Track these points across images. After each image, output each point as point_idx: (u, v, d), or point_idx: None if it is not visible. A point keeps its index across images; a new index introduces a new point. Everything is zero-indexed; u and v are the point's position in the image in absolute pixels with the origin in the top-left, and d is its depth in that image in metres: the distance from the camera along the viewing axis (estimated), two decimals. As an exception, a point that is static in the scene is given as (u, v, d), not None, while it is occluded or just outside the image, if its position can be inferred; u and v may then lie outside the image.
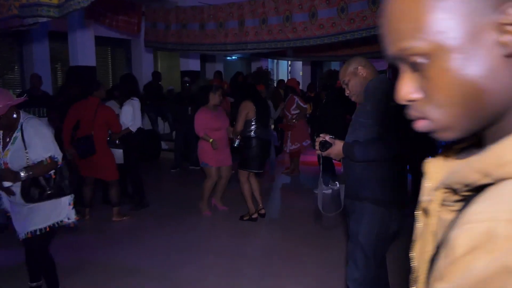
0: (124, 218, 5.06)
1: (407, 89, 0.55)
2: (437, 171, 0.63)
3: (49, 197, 2.76)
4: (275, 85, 9.97)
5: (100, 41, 8.42)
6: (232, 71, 10.31)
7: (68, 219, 2.90)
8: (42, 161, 2.68)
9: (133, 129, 5.21)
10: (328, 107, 6.07)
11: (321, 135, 2.20)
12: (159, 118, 10.10)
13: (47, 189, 2.74)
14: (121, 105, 5.21)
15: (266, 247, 4.27)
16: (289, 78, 13.91)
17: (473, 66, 0.48)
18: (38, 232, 2.77)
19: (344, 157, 2.18)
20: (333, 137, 2.20)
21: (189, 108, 7.65)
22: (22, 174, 2.61)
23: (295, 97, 6.89)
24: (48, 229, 2.80)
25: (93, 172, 4.88)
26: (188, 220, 5.07)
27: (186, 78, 8.17)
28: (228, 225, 4.92)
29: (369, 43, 6.06)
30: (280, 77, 13.57)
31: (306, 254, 4.04)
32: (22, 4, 3.07)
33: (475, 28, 0.48)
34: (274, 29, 4.79)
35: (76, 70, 7.15)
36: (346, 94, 2.33)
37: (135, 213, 5.27)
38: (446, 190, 0.56)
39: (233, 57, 12.73)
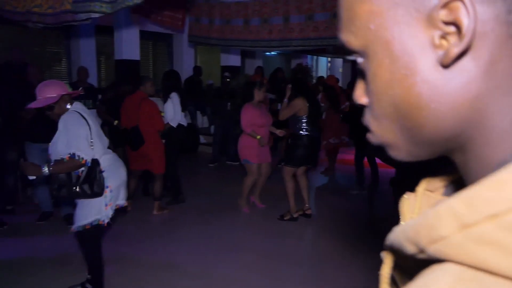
0: (164, 212, 5.12)
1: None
2: (412, 214, 0.50)
3: (73, 196, 2.77)
4: (315, 81, 9.86)
5: (143, 35, 8.55)
6: (272, 67, 10.24)
7: (104, 220, 2.90)
8: (63, 158, 2.68)
9: (174, 124, 5.25)
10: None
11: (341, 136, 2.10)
12: (198, 112, 10.19)
13: (70, 187, 2.72)
14: (164, 101, 5.27)
15: (305, 249, 4.21)
16: (329, 75, 13.71)
17: (403, 74, 0.38)
18: (80, 228, 2.83)
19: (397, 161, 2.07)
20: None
21: (228, 104, 7.67)
22: (44, 169, 2.60)
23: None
24: (88, 226, 2.83)
25: (141, 164, 4.95)
26: (225, 216, 5.07)
27: (227, 74, 8.18)
28: (266, 224, 4.87)
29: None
30: (320, 74, 13.40)
31: (348, 258, 3.95)
32: (75, 0, 3.13)
33: (408, 27, 0.37)
34: (320, 25, 4.69)
35: (124, 65, 7.29)
36: None
37: (174, 207, 5.32)
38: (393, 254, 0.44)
39: (273, 53, 12.64)
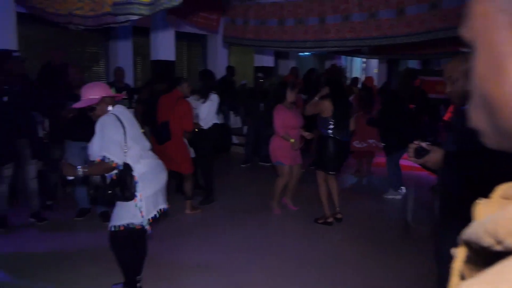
0: (197, 211, 5.16)
1: None
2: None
3: (106, 197, 2.81)
4: (349, 82, 9.72)
5: (178, 36, 8.66)
6: (305, 67, 10.17)
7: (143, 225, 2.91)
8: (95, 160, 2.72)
9: (205, 125, 5.28)
10: (393, 106, 5.83)
11: (415, 141, 2.02)
12: (231, 112, 10.23)
13: (103, 189, 2.76)
14: (204, 101, 5.31)
15: (336, 253, 4.12)
16: (364, 75, 13.50)
17: (495, 72, 0.41)
18: (113, 228, 2.88)
19: (443, 167, 1.97)
20: (430, 143, 2.00)
21: (261, 104, 7.66)
22: (79, 170, 2.64)
23: None
24: (122, 228, 2.86)
25: (169, 165, 4.99)
26: (257, 218, 5.06)
27: (260, 74, 8.18)
28: (298, 227, 4.83)
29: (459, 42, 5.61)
30: (354, 75, 13.20)
31: (381, 265, 3.85)
32: (116, 2, 3.19)
33: (506, 32, 0.40)
34: (357, 26, 4.60)
35: (159, 65, 7.41)
36: (447, 91, 2.09)
37: (206, 207, 5.36)
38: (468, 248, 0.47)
39: (306, 54, 12.55)
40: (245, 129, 8.84)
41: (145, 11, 3.00)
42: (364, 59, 14.04)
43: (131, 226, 2.87)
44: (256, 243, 4.30)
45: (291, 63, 11.31)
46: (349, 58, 13.88)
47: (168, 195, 5.22)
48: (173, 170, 5.14)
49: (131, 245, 3.02)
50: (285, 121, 4.87)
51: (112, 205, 2.99)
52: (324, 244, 4.37)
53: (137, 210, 2.84)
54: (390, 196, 6.07)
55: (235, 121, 10.51)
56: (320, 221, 4.87)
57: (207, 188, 5.55)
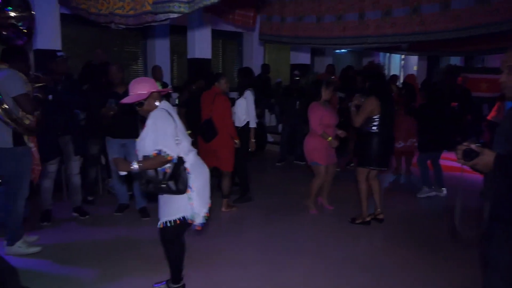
0: (233, 209, 5.17)
1: None
2: None
3: (159, 191, 2.81)
4: (388, 80, 9.48)
5: (214, 34, 8.71)
6: (342, 65, 10.00)
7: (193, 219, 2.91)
8: (149, 155, 2.72)
9: (238, 123, 5.27)
10: (435, 103, 5.64)
11: (464, 143, 1.91)
12: (266, 110, 10.22)
13: (157, 183, 2.76)
14: (239, 98, 5.32)
15: (374, 254, 4.02)
16: (403, 73, 13.19)
17: None
18: (168, 224, 2.87)
19: (494, 170, 1.86)
20: (480, 145, 1.89)
21: (297, 102, 7.59)
22: (134, 165, 2.66)
23: None
24: (178, 222, 2.87)
25: (211, 161, 5.01)
26: (292, 217, 5.01)
27: (296, 72, 8.11)
28: (334, 227, 4.74)
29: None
30: (393, 72, 12.89)
31: (425, 270, 3.72)
32: (156, 0, 3.23)
33: None
34: (398, 21, 4.46)
35: (196, 63, 7.49)
36: (502, 81, 1.97)
37: (241, 205, 5.36)
38: None
39: (343, 51, 12.36)
40: (280, 127, 8.81)
41: (184, 8, 3.02)
42: (403, 56, 13.67)
43: (182, 220, 2.88)
44: (291, 243, 4.25)
45: (328, 60, 11.17)
46: (387, 54, 13.55)
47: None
48: (213, 167, 5.18)
49: (180, 240, 3.05)
50: (322, 119, 4.79)
51: (152, 201, 3.02)
52: (363, 245, 4.27)
53: (188, 203, 2.86)
54: (423, 195, 5.90)
55: (270, 119, 10.50)
56: (357, 221, 4.76)
57: (243, 187, 5.55)
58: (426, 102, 5.84)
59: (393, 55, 13.52)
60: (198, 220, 2.93)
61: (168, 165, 2.77)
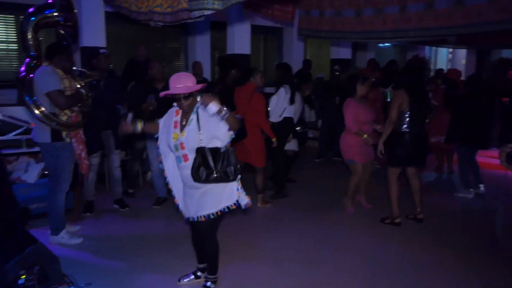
0: (268, 205, 5.17)
1: None
2: None
3: (215, 180, 2.83)
4: (433, 74, 9.14)
5: (254, 30, 8.72)
6: (385, 59, 9.73)
7: (238, 203, 2.96)
8: (236, 115, 2.76)
9: (273, 118, 5.24)
10: (481, 98, 5.35)
11: (509, 144, 1.80)
12: (306, 106, 10.11)
13: (214, 171, 2.80)
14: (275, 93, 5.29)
15: (410, 256, 3.88)
16: (450, 68, 12.63)
17: None
18: (211, 216, 2.91)
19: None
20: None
21: (337, 98, 7.47)
22: (224, 110, 2.65)
23: None
24: (219, 213, 2.92)
25: (243, 157, 5.03)
26: (329, 214, 4.95)
27: (336, 67, 7.98)
28: (371, 225, 4.63)
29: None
30: (439, 66, 12.39)
31: (458, 272, 3.57)
32: (191, -3, 3.26)
33: None
34: (441, 14, 4.26)
35: (228, 58, 7.51)
36: None
37: (277, 201, 5.35)
38: None
39: (387, 45, 12.01)
40: (320, 123, 8.70)
41: (218, 5, 3.04)
42: (451, 49, 13.11)
43: (225, 209, 2.94)
44: (326, 241, 4.20)
45: (370, 55, 10.90)
46: (433, 48, 13.05)
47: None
48: (245, 164, 5.20)
49: (216, 230, 3.11)
50: (357, 116, 4.69)
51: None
52: (397, 245, 4.14)
53: (235, 189, 2.94)
54: (461, 195, 5.66)
55: (310, 115, 10.39)
56: (386, 221, 4.63)
57: (279, 183, 5.54)
58: (464, 94, 5.57)
59: (440, 48, 12.99)
60: (246, 200, 3.00)
61: (223, 148, 2.86)
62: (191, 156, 2.83)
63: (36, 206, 4.49)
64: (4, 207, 3.63)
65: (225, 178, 2.84)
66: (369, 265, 3.67)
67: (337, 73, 7.79)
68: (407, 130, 4.36)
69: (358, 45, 10.98)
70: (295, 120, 5.62)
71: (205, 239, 3.08)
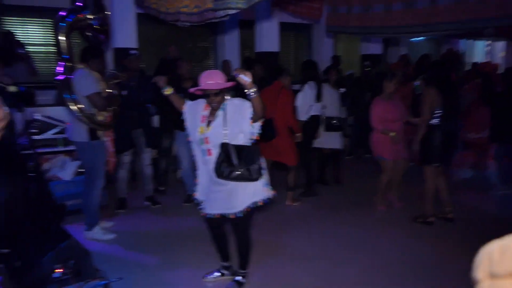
0: (297, 203, 5.17)
1: None
2: None
3: (237, 178, 2.83)
4: (469, 68, 8.85)
5: (284, 27, 8.70)
6: (419, 54, 9.48)
7: (265, 200, 2.98)
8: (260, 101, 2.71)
9: (303, 117, 5.21)
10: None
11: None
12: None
13: (237, 168, 2.81)
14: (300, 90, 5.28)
15: (442, 257, 3.79)
16: (483, 61, 12.18)
17: None
18: (240, 214, 2.94)
19: None
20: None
21: (368, 94, 7.37)
22: (253, 90, 2.61)
23: None
24: (248, 209, 2.94)
25: (272, 155, 5.04)
26: (359, 213, 4.89)
27: (367, 63, 7.86)
28: (402, 225, 4.55)
29: None
30: (476, 60, 11.97)
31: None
32: (216, -3, 3.31)
33: None
34: (472, 6, 4.11)
35: (263, 57, 7.55)
36: None
37: (306, 199, 5.33)
38: None
39: (420, 39, 11.70)
40: (350, 120, 8.60)
41: (241, 4, 3.06)
42: (489, 42, 12.63)
43: (253, 205, 2.95)
44: (355, 240, 4.16)
45: (402, 50, 10.66)
46: (469, 41, 12.61)
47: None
48: (274, 161, 5.21)
49: (250, 225, 3.14)
50: (383, 115, 4.62)
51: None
52: (426, 245, 4.04)
53: (261, 187, 2.95)
54: (498, 193, 5.45)
55: (341, 112, 10.27)
56: (419, 220, 4.54)
57: (308, 181, 5.52)
58: (504, 90, 5.37)
59: (476, 41, 12.54)
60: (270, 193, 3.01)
61: (249, 144, 2.86)
62: (215, 151, 2.86)
63: (72, 203, 4.69)
64: (41, 204, 3.81)
65: (248, 176, 2.83)
66: (398, 266, 3.61)
67: (368, 69, 7.67)
68: (438, 124, 4.25)
69: (390, 40, 10.76)
70: (333, 113, 5.55)
71: (238, 235, 3.11)
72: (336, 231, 4.40)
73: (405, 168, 5.06)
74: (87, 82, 3.79)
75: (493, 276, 0.37)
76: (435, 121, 4.26)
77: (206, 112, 2.96)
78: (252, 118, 2.78)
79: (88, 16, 3.99)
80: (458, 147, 4.67)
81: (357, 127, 7.71)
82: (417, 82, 6.94)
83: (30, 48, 6.95)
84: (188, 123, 3.05)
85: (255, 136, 2.89)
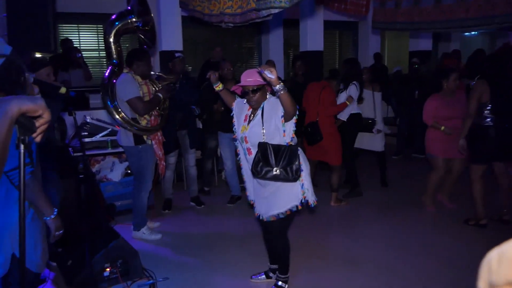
0: (342, 204, 5.05)
1: None
2: None
3: (274, 178, 2.79)
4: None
5: (328, 26, 8.55)
6: (472, 49, 9.03)
7: (304, 202, 2.90)
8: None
9: (343, 117, 5.08)
10: None
11: None
12: (383, 101, 9.73)
13: (274, 168, 2.77)
14: (343, 90, 5.14)
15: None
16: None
17: None
18: (281, 216, 2.89)
19: None
20: None
21: (416, 92, 7.10)
22: (279, 86, 2.52)
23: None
24: (288, 212, 2.89)
25: (317, 155, 4.96)
26: (406, 214, 4.71)
27: (415, 59, 7.56)
28: (453, 227, 4.33)
29: None
30: (535, 54, 11.23)
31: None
32: (259, -3, 3.28)
33: None
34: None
35: (308, 56, 7.45)
36: None
37: (351, 200, 5.20)
38: None
39: (473, 33, 11.14)
40: (398, 119, 8.32)
41: (285, 3, 3.01)
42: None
43: (294, 209, 2.89)
44: (404, 241, 4.01)
45: (454, 45, 10.20)
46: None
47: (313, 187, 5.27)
48: (319, 161, 5.12)
49: (287, 231, 3.09)
50: (437, 112, 4.46)
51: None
52: (477, 248, 3.78)
53: (300, 190, 2.88)
54: None
55: (388, 110, 9.99)
56: (471, 223, 4.30)
57: (352, 181, 5.38)
58: None
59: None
60: (312, 198, 2.93)
61: (286, 144, 2.79)
62: (254, 151, 2.84)
63: (121, 203, 4.83)
64: (92, 204, 3.94)
65: (285, 176, 2.77)
66: (449, 269, 3.43)
67: (416, 66, 7.37)
68: (491, 124, 4.02)
69: (440, 36, 10.32)
70: (368, 115, 5.40)
71: (276, 239, 3.07)
72: (384, 233, 4.26)
73: (461, 169, 4.80)
74: (128, 87, 3.84)
75: (491, 286, 0.37)
76: (488, 120, 4.02)
77: (249, 112, 2.95)
78: (283, 117, 2.73)
79: (134, 19, 4.06)
80: None
81: (404, 126, 7.44)
82: (473, 82, 6.60)
83: (84, 54, 7.25)
84: (235, 120, 3.03)
85: (292, 134, 2.81)
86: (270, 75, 2.48)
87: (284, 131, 2.77)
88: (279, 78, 2.56)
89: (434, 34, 9.24)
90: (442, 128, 4.45)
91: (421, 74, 7.39)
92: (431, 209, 4.77)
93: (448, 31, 7.80)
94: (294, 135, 2.83)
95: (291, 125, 2.79)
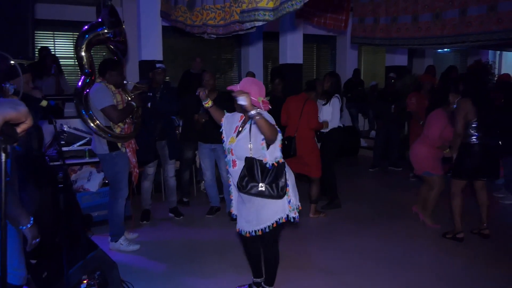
0: (320, 215, 5.09)
1: None
2: None
3: (259, 194, 2.74)
4: (496, 80, 8.63)
5: (307, 39, 8.69)
6: (444, 65, 9.33)
7: (288, 216, 2.86)
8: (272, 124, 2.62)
9: (325, 130, 5.15)
10: None
11: None
12: (360, 115, 9.93)
13: (260, 184, 2.72)
14: (326, 103, 5.20)
15: (475, 274, 3.65)
16: (504, 73, 11.89)
17: None
18: (267, 229, 2.87)
19: None
20: None
21: (392, 106, 7.27)
22: (255, 109, 2.49)
23: None
24: (275, 224, 2.86)
25: (298, 168, 4.97)
26: (384, 226, 4.78)
27: (392, 74, 7.75)
28: (432, 240, 4.41)
29: None
30: (505, 71, 11.68)
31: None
32: (243, 10, 3.31)
33: None
34: (505, 17, 4.03)
35: (287, 69, 7.53)
36: None
37: (330, 212, 5.25)
38: None
39: (446, 50, 11.52)
40: (373, 132, 8.50)
41: (269, 16, 3.06)
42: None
43: (279, 221, 2.86)
44: (381, 253, 4.06)
45: (428, 61, 10.51)
46: (498, 52, 12.33)
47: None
48: (299, 174, 5.15)
49: (277, 242, 3.07)
50: (444, 132, 4.43)
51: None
52: (462, 262, 3.90)
53: (286, 204, 2.84)
54: (507, 202, 5.38)
55: (364, 124, 10.18)
56: (448, 236, 4.38)
57: (331, 193, 5.43)
58: None
59: (504, 52, 12.25)
60: (295, 214, 2.89)
61: (270, 165, 2.74)
62: (240, 163, 2.81)
63: (98, 214, 4.73)
64: (69, 215, 3.84)
65: (270, 193, 2.72)
66: (429, 281, 3.49)
67: (393, 80, 7.56)
68: (476, 142, 4.10)
69: (415, 52, 10.62)
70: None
71: (267, 248, 3.05)
72: (363, 244, 4.30)
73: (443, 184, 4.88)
74: (101, 95, 3.81)
75: None
76: (473, 139, 4.11)
77: (240, 123, 2.92)
78: (264, 140, 2.70)
79: (105, 31, 4.03)
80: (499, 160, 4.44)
81: (381, 139, 7.59)
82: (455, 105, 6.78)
83: (60, 62, 7.12)
84: (224, 134, 3.00)
85: (276, 154, 2.78)
86: (242, 101, 2.46)
87: (265, 155, 2.74)
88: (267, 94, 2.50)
89: (410, 50, 9.50)
90: (447, 150, 4.43)
91: (397, 89, 7.59)
92: (436, 226, 4.71)
93: (424, 48, 8.02)
94: (280, 145, 2.79)
95: (274, 149, 2.75)
